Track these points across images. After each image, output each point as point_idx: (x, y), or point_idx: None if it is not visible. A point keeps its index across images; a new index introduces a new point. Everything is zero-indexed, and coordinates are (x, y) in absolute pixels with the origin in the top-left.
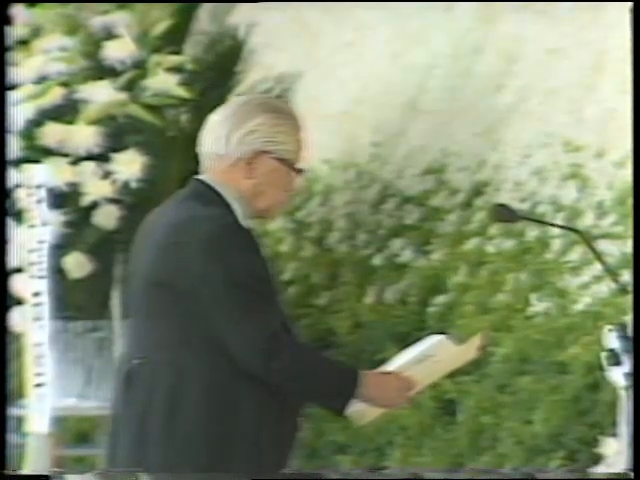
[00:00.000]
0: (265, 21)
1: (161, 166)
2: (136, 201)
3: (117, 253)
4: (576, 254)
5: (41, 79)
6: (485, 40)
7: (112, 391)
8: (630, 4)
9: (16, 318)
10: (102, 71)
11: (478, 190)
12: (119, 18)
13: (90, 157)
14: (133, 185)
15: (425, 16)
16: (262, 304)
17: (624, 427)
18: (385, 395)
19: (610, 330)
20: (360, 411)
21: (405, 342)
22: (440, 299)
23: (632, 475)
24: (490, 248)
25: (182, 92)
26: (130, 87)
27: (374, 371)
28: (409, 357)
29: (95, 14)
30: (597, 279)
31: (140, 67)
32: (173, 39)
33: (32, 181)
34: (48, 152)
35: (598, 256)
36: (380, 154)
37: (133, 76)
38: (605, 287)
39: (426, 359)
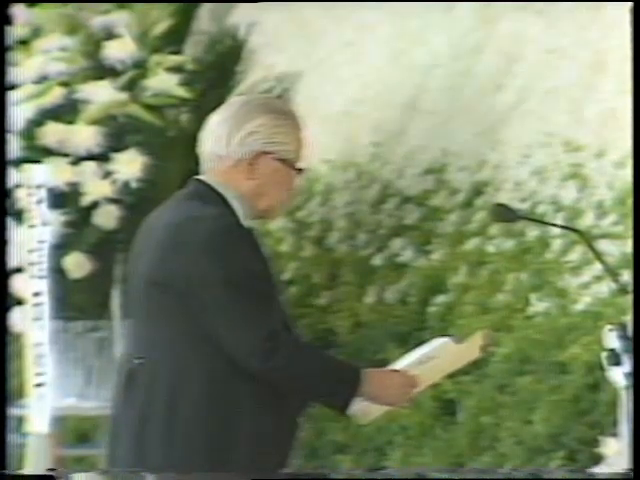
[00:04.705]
0: (265, 21)
1: (161, 166)
2: (136, 201)
3: (117, 253)
4: (576, 254)
5: (41, 79)
6: (485, 40)
7: (112, 391)
8: (630, 4)
9: (16, 318)
10: (102, 71)
11: (478, 190)
12: (119, 18)
13: (90, 157)
14: (133, 185)
15: (425, 16)
16: (261, 304)
17: (624, 427)
18: (388, 392)
19: (610, 330)
20: (363, 409)
21: (405, 342)
22: (440, 299)
23: (632, 475)
24: (490, 248)
25: (182, 92)
26: (130, 87)
27: (376, 369)
28: (412, 359)
29: (95, 14)
30: (597, 279)
31: (140, 67)
32: (173, 39)
33: (32, 181)
34: (48, 152)
35: (598, 256)
36: (380, 154)
37: (133, 76)
38: (605, 287)
39: (429, 360)
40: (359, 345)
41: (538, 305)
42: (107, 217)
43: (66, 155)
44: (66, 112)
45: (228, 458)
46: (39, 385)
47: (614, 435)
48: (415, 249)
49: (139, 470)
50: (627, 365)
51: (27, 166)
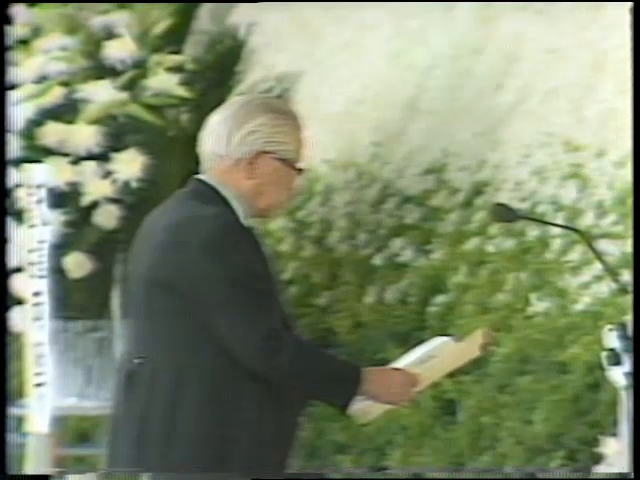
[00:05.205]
0: (265, 21)
1: (161, 166)
2: (136, 201)
3: (117, 253)
4: (576, 254)
5: (41, 79)
6: (485, 40)
7: (112, 391)
8: (630, 4)
9: (16, 318)
10: (102, 71)
11: (478, 190)
12: (119, 18)
13: (90, 157)
14: (133, 185)
15: (425, 16)
16: (262, 303)
17: (624, 427)
18: (389, 391)
19: (610, 330)
20: (364, 408)
21: (405, 342)
22: (440, 299)
23: (632, 475)
24: (490, 248)
25: (182, 92)
26: (130, 87)
27: (377, 367)
28: (412, 358)
29: (95, 14)
30: (597, 279)
31: (140, 67)
32: (173, 39)
33: (32, 181)
34: (48, 152)
35: (598, 256)
36: (380, 154)
37: (133, 76)
38: (605, 287)
39: (429, 359)
40: (359, 345)
41: (538, 305)
42: (107, 217)
43: (66, 155)
44: (66, 112)
45: (228, 458)
46: (39, 385)
47: (614, 435)
48: (415, 249)
49: (139, 470)
50: (627, 365)
51: (27, 166)
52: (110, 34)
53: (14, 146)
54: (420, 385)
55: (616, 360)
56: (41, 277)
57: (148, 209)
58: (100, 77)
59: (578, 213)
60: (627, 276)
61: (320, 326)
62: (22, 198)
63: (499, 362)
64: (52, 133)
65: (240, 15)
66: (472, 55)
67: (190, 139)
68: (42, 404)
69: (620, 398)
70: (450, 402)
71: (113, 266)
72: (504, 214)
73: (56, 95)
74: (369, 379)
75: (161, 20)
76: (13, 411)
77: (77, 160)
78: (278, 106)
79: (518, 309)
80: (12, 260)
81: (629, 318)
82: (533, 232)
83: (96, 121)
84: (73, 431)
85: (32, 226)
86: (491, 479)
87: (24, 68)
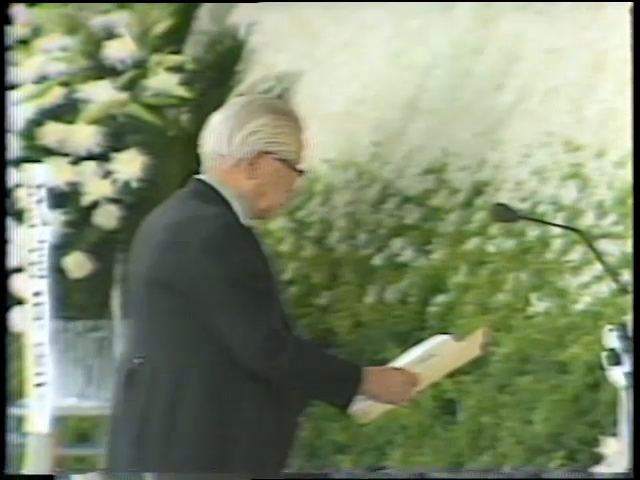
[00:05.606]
0: (265, 21)
1: (161, 166)
2: (136, 201)
3: (117, 253)
4: (576, 254)
5: (41, 79)
6: (485, 40)
7: (112, 391)
8: (630, 4)
9: (16, 318)
10: (102, 71)
11: (478, 190)
12: (119, 18)
13: (90, 157)
14: (133, 185)
15: (425, 16)
16: (262, 302)
17: (624, 427)
18: (389, 390)
19: (610, 330)
20: (364, 408)
21: (405, 342)
22: (440, 299)
23: (632, 475)
24: (490, 248)
25: (182, 92)
26: (130, 87)
27: (377, 367)
28: (412, 356)
29: (95, 14)
30: (597, 279)
31: (140, 67)
32: (173, 39)
33: (32, 181)
34: (48, 152)
35: (598, 256)
36: (380, 154)
37: (133, 76)
38: (605, 287)
39: (430, 358)
40: (359, 345)
41: (538, 305)
42: (107, 217)
43: (66, 155)
44: (66, 112)
45: (228, 458)
46: (39, 385)
47: (614, 435)
48: (415, 249)
49: (139, 470)
50: (627, 365)
51: (27, 166)
52: (110, 34)
53: (14, 146)
54: (420, 385)
55: (616, 360)
56: (41, 277)
57: (148, 209)
58: (100, 77)
59: (578, 213)
60: (627, 276)
61: (320, 326)
62: (22, 198)
63: (499, 362)
64: (52, 133)
65: (240, 15)
66: (472, 55)
67: (190, 139)
68: (42, 404)
69: (620, 398)
70: (450, 402)
71: (113, 266)
72: (504, 214)
73: (56, 95)
74: (369, 379)
75: (161, 20)
76: (13, 411)
77: (77, 160)
78: (280, 107)
79: (518, 309)
80: (12, 260)
81: (629, 318)
82: (533, 232)
83: (96, 121)
84: (73, 431)
85: (32, 226)
86: (491, 479)
87: (24, 68)
